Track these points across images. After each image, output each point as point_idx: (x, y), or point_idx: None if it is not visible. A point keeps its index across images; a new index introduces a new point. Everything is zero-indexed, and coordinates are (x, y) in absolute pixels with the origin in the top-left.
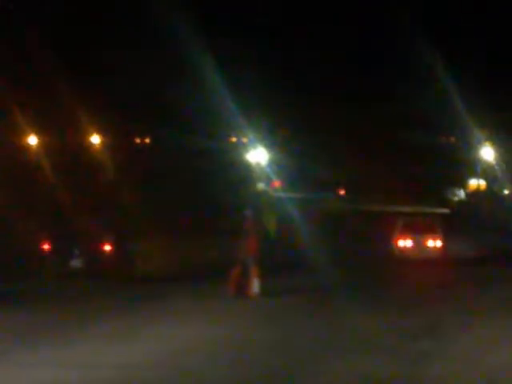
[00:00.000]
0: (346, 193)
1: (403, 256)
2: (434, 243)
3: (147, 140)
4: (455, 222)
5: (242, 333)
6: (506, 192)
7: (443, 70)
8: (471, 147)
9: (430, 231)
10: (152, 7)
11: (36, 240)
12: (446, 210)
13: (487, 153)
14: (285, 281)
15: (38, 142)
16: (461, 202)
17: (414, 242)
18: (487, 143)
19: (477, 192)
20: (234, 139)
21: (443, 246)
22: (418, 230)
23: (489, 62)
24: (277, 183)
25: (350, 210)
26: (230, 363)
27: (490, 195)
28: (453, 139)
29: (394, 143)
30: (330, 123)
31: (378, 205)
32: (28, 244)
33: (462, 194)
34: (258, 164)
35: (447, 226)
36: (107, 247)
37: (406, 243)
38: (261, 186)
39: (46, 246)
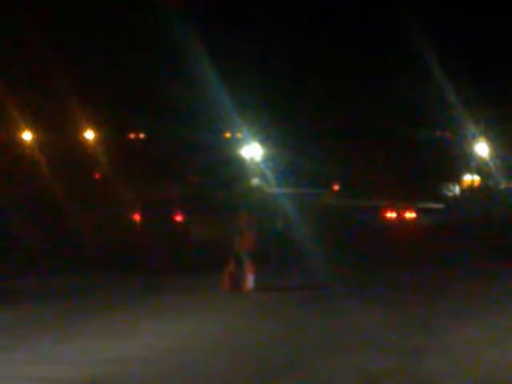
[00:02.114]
0: (340, 188)
1: (388, 222)
2: (410, 215)
3: (141, 135)
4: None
5: (238, 329)
6: (502, 186)
7: (438, 65)
8: (466, 142)
9: (408, 209)
10: (149, 3)
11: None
12: (440, 205)
13: (482, 148)
14: (281, 276)
15: (33, 138)
16: (455, 197)
17: (397, 214)
18: (482, 138)
19: (471, 187)
20: (228, 135)
21: (416, 217)
22: (400, 208)
23: (484, 57)
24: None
25: (344, 205)
26: (228, 360)
27: (484, 190)
28: (447, 134)
29: (388, 138)
30: (324, 118)
31: (371, 200)
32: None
33: (456, 189)
34: (253, 159)
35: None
36: (178, 218)
37: (391, 215)
38: (255, 181)
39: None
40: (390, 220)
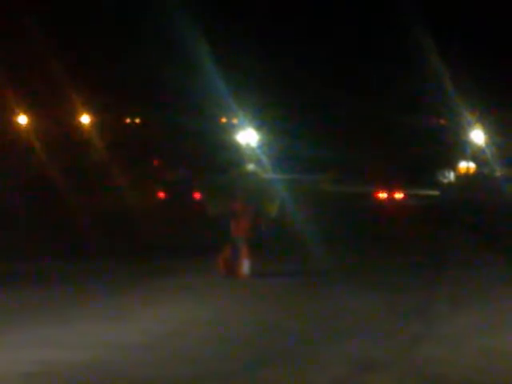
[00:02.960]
0: (336, 174)
1: (380, 202)
2: (399, 195)
3: (137, 120)
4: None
5: (233, 315)
6: (498, 174)
7: (434, 52)
8: (461, 129)
9: (397, 190)
10: None
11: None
12: (435, 192)
13: (477, 135)
14: (277, 262)
15: (28, 121)
16: (450, 184)
17: (388, 194)
18: (477, 126)
19: (466, 174)
20: (224, 120)
21: (404, 197)
22: (390, 188)
23: (479, 45)
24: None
25: (340, 191)
26: (225, 345)
27: (479, 177)
28: (443, 121)
29: (384, 125)
30: (320, 105)
31: (367, 186)
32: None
33: (451, 176)
34: (248, 145)
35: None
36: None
37: (382, 195)
38: (251, 167)
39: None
40: (382, 200)
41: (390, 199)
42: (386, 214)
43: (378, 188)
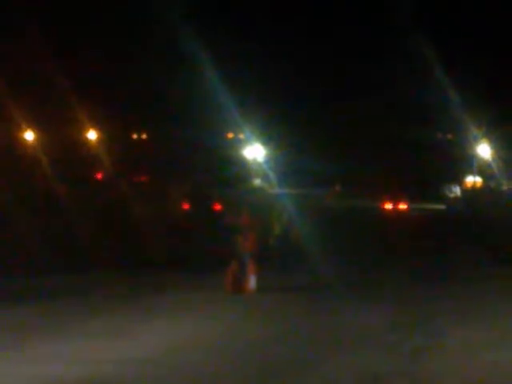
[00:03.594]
0: (343, 188)
1: (386, 212)
2: (403, 206)
3: (144, 135)
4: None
5: (239, 329)
6: (505, 188)
7: (441, 67)
8: (468, 144)
9: (401, 201)
10: (151, 2)
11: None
12: (441, 206)
13: (484, 149)
14: (283, 277)
15: (35, 137)
16: (456, 198)
17: (393, 205)
18: (484, 140)
19: (473, 188)
20: (231, 135)
21: (407, 208)
22: (395, 200)
23: (487, 59)
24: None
25: (346, 206)
26: (228, 360)
27: (486, 191)
28: (450, 136)
29: (391, 140)
30: (326, 119)
31: (373, 200)
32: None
33: (458, 190)
34: (255, 160)
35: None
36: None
37: (388, 206)
38: (257, 182)
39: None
40: (387, 210)
41: (395, 210)
42: (391, 229)
43: (384, 200)
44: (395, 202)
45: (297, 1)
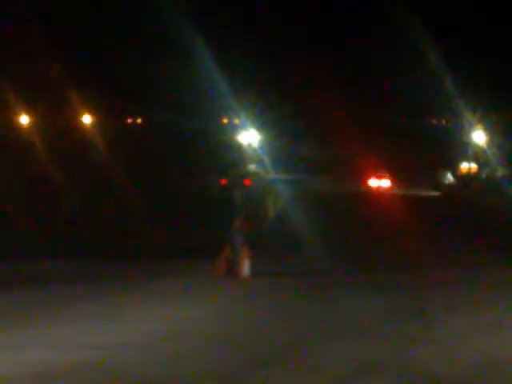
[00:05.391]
0: (337, 174)
1: (370, 189)
2: (386, 183)
3: (139, 120)
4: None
5: (233, 314)
6: (499, 174)
7: (435, 52)
8: (462, 130)
9: (385, 178)
10: None
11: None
12: (436, 193)
13: (478, 136)
14: (277, 261)
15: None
16: (450, 184)
17: (377, 182)
18: (479, 126)
19: (467, 174)
20: (225, 120)
21: (391, 185)
22: (379, 178)
23: (480, 45)
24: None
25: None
26: (220, 345)
27: (480, 178)
28: (444, 122)
29: (386, 127)
30: (321, 106)
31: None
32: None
33: (450, 177)
34: (250, 145)
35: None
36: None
37: (372, 183)
38: (252, 167)
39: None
40: (371, 188)
41: (378, 187)
42: (385, 216)
43: (368, 178)
44: (379, 179)
45: None
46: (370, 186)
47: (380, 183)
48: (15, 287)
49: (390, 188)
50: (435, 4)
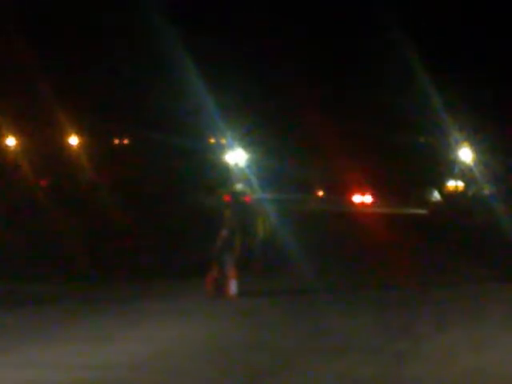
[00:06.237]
0: (324, 193)
1: (354, 204)
2: (369, 199)
3: (126, 141)
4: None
5: (222, 334)
6: (486, 192)
7: (423, 71)
8: (449, 148)
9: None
10: (134, 9)
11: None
12: (423, 211)
13: (465, 154)
14: (264, 281)
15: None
16: (438, 202)
17: (360, 198)
18: (465, 144)
19: (454, 192)
20: (212, 140)
21: (373, 201)
22: (362, 194)
23: (469, 64)
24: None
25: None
26: (211, 365)
27: (467, 195)
28: (431, 140)
29: (372, 144)
30: (308, 123)
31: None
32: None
33: (437, 195)
34: (237, 165)
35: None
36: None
37: (355, 199)
38: (239, 186)
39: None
40: (355, 204)
41: (362, 203)
42: (371, 233)
43: (352, 193)
44: (362, 195)
45: (284, 7)
46: (353, 202)
47: (363, 199)
48: (3, 309)
49: (372, 204)
50: (425, 22)
